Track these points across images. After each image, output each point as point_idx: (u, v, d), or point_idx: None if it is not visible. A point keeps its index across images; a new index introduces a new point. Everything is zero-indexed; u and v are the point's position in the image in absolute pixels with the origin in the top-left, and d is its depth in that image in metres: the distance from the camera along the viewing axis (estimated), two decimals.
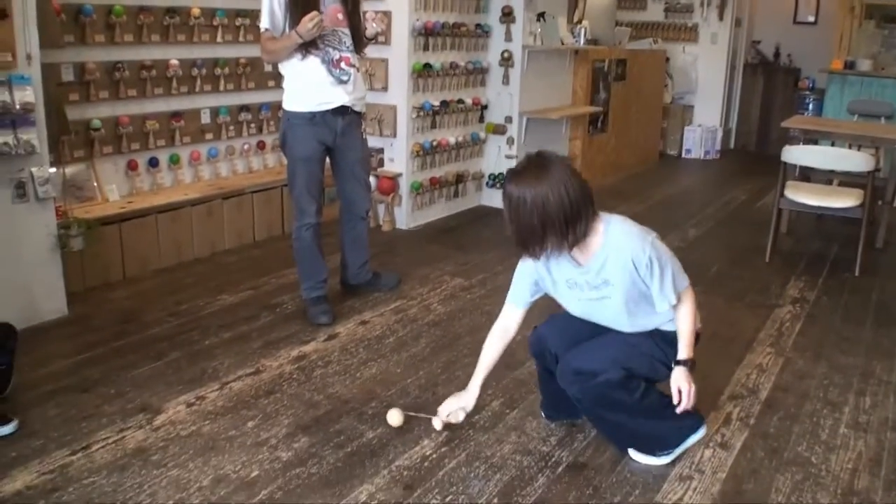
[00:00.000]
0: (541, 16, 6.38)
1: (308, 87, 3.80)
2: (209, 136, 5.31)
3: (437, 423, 2.91)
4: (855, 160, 5.09)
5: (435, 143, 5.86)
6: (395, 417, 2.94)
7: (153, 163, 4.98)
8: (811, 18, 10.52)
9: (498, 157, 6.46)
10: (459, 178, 6.23)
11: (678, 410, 2.66)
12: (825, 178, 5.90)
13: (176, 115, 5.05)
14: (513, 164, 6.31)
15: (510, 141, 6.39)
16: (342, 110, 3.87)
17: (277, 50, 3.76)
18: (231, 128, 5.44)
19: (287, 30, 3.70)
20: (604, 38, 7.58)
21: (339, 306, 4.16)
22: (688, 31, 9.81)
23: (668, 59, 9.47)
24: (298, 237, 3.97)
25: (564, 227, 2.43)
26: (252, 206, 5.25)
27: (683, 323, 2.66)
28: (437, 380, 3.40)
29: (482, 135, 6.40)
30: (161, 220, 4.70)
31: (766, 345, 3.91)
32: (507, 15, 6.18)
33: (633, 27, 9.47)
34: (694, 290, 2.69)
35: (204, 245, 4.97)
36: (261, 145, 5.69)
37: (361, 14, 3.95)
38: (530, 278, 2.76)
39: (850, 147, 5.89)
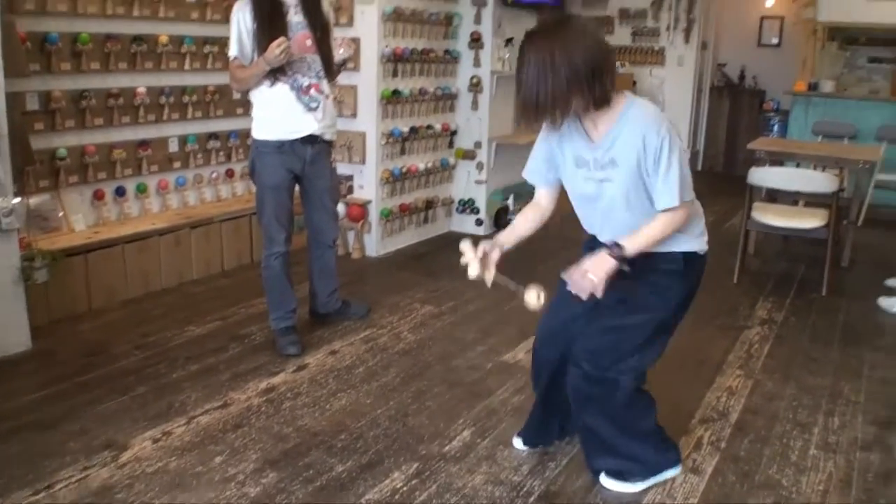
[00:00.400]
0: (509, 41, 6.42)
1: (277, 115, 3.79)
2: (177, 164, 5.28)
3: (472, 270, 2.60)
4: (819, 181, 5.16)
5: (404, 170, 5.86)
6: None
7: (120, 192, 4.94)
8: (775, 41, 10.69)
9: (468, 182, 6.47)
10: (429, 204, 6.23)
11: (569, 287, 2.55)
12: (791, 199, 5.97)
13: (143, 143, 5.02)
14: (482, 189, 6.35)
15: (480, 166, 6.41)
16: (311, 139, 3.86)
17: (246, 78, 3.75)
18: (199, 156, 5.41)
19: (255, 58, 3.69)
20: None
21: (309, 336, 4.14)
22: (655, 55, 9.93)
23: (635, 83, 9.57)
24: (267, 266, 3.94)
25: (591, 79, 2.30)
26: (220, 234, 5.21)
27: (653, 226, 2.46)
28: (407, 410, 3.37)
29: (452, 160, 6.41)
30: (128, 250, 4.65)
31: (736, 367, 3.93)
32: (476, 41, 6.22)
33: None
34: (687, 213, 2.50)
35: (172, 275, 4.92)
36: (229, 173, 5.66)
37: (331, 40, 3.94)
38: (544, 153, 2.66)
39: (814, 168, 5.97)
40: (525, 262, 3.23)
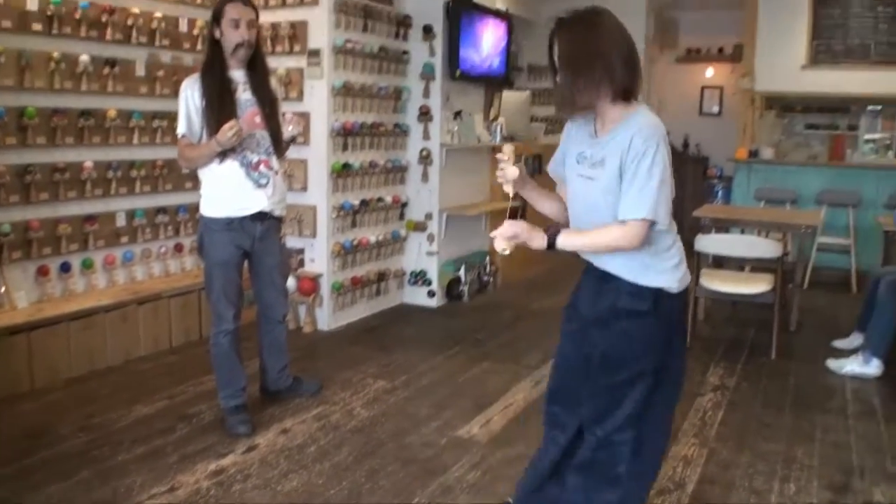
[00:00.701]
0: (458, 114, 6.52)
1: (227, 192, 3.76)
2: (124, 239, 5.20)
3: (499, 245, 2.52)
4: (764, 247, 5.27)
5: (356, 242, 5.85)
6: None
7: (65, 268, 4.83)
8: (716, 110, 11.04)
9: (419, 254, 6.48)
10: (381, 277, 6.21)
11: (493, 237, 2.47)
12: (738, 264, 6.07)
13: (90, 218, 4.94)
14: (434, 260, 6.36)
15: (431, 238, 6.43)
16: (261, 216, 3.83)
17: (195, 157, 3.74)
18: (147, 230, 5.34)
19: (204, 135, 3.68)
20: (520, 134, 7.75)
21: (260, 414, 4.05)
22: None
23: None
24: (216, 343, 3.87)
25: (623, 68, 2.29)
26: (169, 310, 5.13)
27: (602, 231, 2.36)
28: (360, 489, 3.30)
29: (403, 232, 6.42)
30: (73, 327, 4.54)
31: (691, 435, 3.93)
32: (425, 114, 6.30)
33: (547, 122, 9.75)
34: (644, 237, 2.33)
35: (118, 353, 4.81)
36: (178, 248, 5.59)
37: (280, 116, 3.94)
38: (562, 150, 2.61)
39: (759, 233, 6.10)
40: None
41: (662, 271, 2.41)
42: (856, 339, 5.34)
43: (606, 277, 2.47)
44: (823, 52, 8.52)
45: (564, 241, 2.39)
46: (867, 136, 8.85)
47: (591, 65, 2.29)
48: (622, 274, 2.42)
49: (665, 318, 2.44)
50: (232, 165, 3.72)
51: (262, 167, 3.78)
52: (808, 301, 6.58)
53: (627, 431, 2.44)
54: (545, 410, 2.72)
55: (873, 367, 4.85)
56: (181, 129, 3.73)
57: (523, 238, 2.41)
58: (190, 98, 3.70)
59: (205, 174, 3.79)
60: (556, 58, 2.38)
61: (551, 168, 2.68)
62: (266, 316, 4.13)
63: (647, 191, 2.26)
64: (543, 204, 2.70)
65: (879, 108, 8.77)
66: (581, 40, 2.33)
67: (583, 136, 2.48)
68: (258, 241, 3.87)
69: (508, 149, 2.53)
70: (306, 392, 4.32)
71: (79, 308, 4.62)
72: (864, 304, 5.32)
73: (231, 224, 3.77)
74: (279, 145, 3.88)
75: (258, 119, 3.71)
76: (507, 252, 2.49)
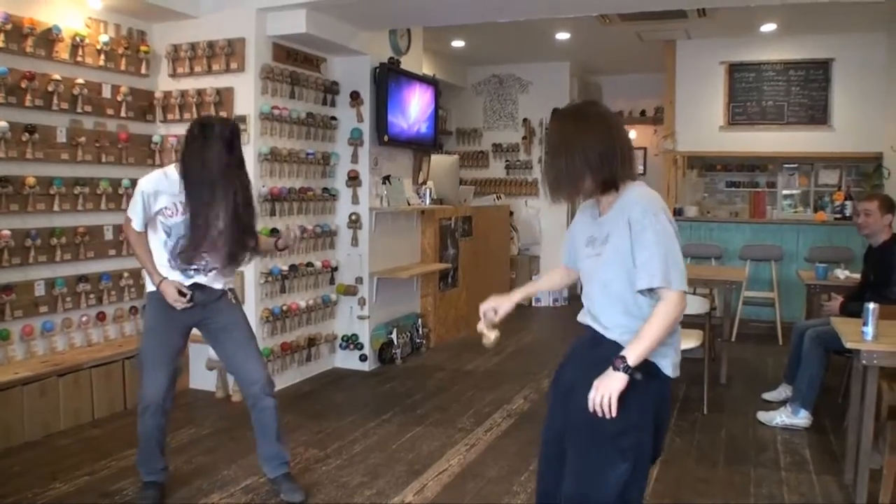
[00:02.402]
0: (386, 179, 6.54)
1: (161, 263, 3.65)
2: (44, 308, 5.02)
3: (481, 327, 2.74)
4: (692, 304, 5.32)
5: (285, 308, 5.76)
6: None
7: None
8: (640, 170, 11.28)
9: (350, 317, 6.41)
10: (312, 342, 6.11)
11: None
12: None
13: (6, 288, 4.76)
14: (365, 324, 6.30)
15: (362, 301, 6.38)
16: (199, 287, 3.67)
17: (137, 253, 3.68)
18: (68, 299, 5.17)
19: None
20: (449, 197, 7.82)
21: (187, 487, 3.89)
22: (528, 186, 10.28)
23: (511, 213, 9.86)
24: (140, 418, 3.68)
25: (601, 164, 2.39)
26: (91, 381, 4.94)
27: (650, 322, 2.33)
28: None
29: (333, 297, 6.36)
30: None
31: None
32: (353, 179, 6.30)
33: (476, 185, 9.87)
34: (683, 303, 2.36)
35: (36, 427, 4.60)
36: (101, 316, 5.42)
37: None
38: (570, 238, 2.73)
39: (694, 291, 6.19)
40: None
41: (662, 346, 2.39)
42: (784, 391, 5.44)
43: (600, 343, 2.47)
44: (740, 113, 8.84)
45: (634, 357, 2.32)
46: (785, 192, 9.18)
47: (571, 156, 2.40)
48: (621, 339, 2.41)
49: (650, 396, 2.42)
50: (167, 262, 3.64)
51: (191, 271, 3.67)
52: (737, 354, 6.68)
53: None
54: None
55: (802, 418, 4.92)
56: (132, 214, 3.60)
57: (614, 395, 2.31)
58: (148, 199, 3.58)
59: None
60: (547, 152, 2.54)
61: (565, 261, 2.81)
62: (247, 392, 3.81)
63: (658, 258, 2.32)
64: (542, 289, 3.00)
65: (796, 165, 9.11)
66: (566, 132, 2.45)
67: (588, 221, 2.59)
68: (205, 309, 3.70)
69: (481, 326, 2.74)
70: (285, 497, 3.81)
71: None
72: (790, 357, 5.42)
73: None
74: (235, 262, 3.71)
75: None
76: (492, 342, 2.69)
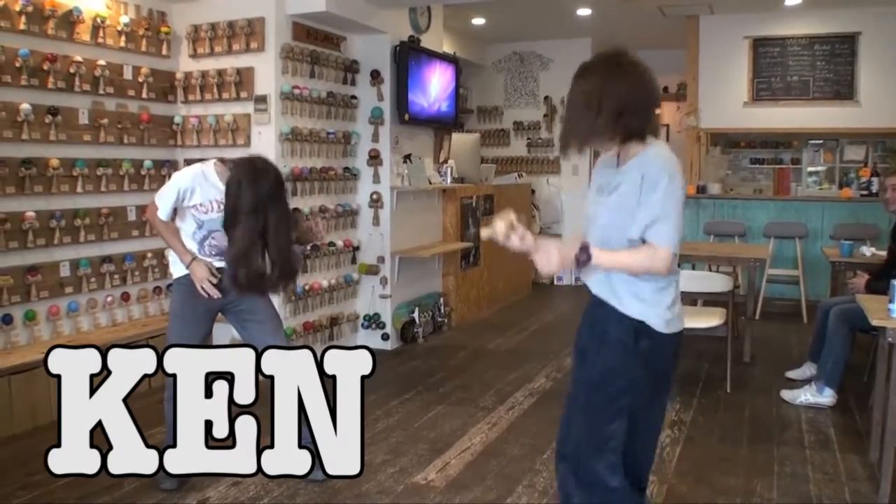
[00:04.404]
0: (407, 157, 6.53)
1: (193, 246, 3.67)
2: (69, 289, 5.07)
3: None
4: (714, 281, 5.31)
5: (307, 287, 5.78)
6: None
7: (7, 320, 4.69)
8: None
9: (372, 297, 6.43)
10: (334, 321, 6.13)
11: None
12: (690, 299, 6.11)
13: (32, 269, 4.82)
14: (387, 303, 6.31)
15: (384, 280, 6.39)
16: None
17: (164, 237, 3.67)
18: (93, 280, 5.22)
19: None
20: (470, 176, 7.80)
21: None
22: (550, 164, 10.23)
23: (533, 192, 9.82)
24: (167, 403, 3.71)
25: (620, 116, 2.34)
26: None
27: (633, 253, 2.38)
28: None
29: (355, 276, 6.37)
30: (15, 381, 4.39)
31: (650, 472, 3.89)
32: (375, 158, 6.29)
33: (498, 163, 9.82)
34: (667, 265, 2.36)
35: None
36: (125, 297, 5.47)
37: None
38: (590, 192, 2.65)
39: (709, 268, 6.15)
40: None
41: (651, 305, 2.42)
42: (808, 369, 5.39)
43: (599, 303, 2.50)
44: (764, 89, 8.72)
45: (598, 255, 2.38)
46: (810, 169, 9.07)
47: (593, 118, 2.35)
48: (610, 299, 2.45)
49: (644, 356, 2.43)
50: (197, 249, 3.66)
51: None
52: (761, 332, 6.64)
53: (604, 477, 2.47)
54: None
55: (827, 397, 4.89)
56: (161, 202, 3.59)
57: (555, 265, 2.41)
58: (185, 193, 3.57)
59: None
60: (569, 101, 2.48)
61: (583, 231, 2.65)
62: None
63: (667, 221, 2.33)
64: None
65: (821, 141, 9.00)
66: (597, 80, 2.37)
67: (603, 171, 2.56)
68: (230, 293, 3.66)
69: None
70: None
71: (21, 361, 4.47)
72: (814, 335, 5.38)
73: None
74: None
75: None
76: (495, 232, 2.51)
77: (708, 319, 5.25)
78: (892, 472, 3.56)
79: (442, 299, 7.11)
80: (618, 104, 2.33)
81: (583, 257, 2.36)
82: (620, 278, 2.42)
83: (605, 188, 2.49)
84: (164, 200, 3.58)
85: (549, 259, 2.39)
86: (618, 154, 2.49)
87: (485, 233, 2.54)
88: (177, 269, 3.73)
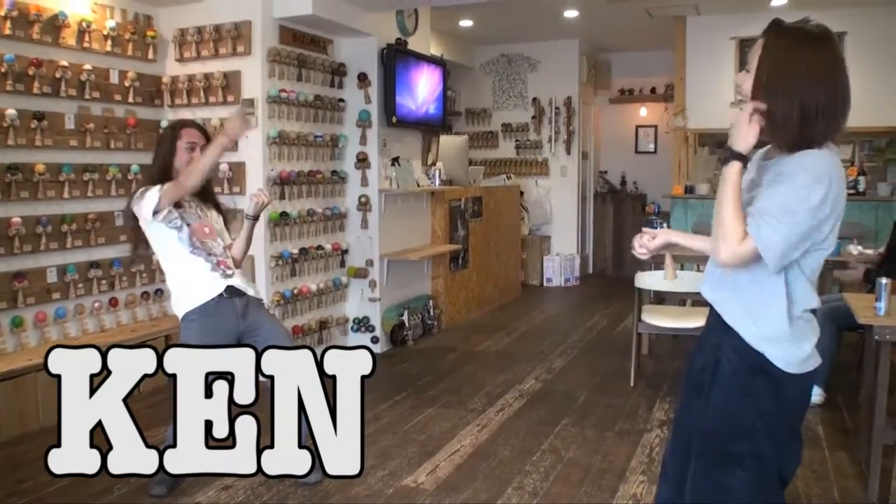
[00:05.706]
0: (395, 160, 6.52)
1: (195, 280, 3.63)
2: (56, 295, 5.04)
3: None
4: (698, 280, 5.30)
5: (296, 291, 5.77)
6: None
7: None
8: (651, 147, 11.25)
9: (361, 300, 6.42)
10: (323, 325, 6.12)
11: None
12: (679, 299, 6.13)
13: (19, 275, 4.79)
14: (377, 307, 6.31)
15: (373, 284, 6.38)
16: (234, 292, 3.66)
17: (203, 166, 3.54)
18: (80, 286, 5.19)
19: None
20: (458, 178, 7.80)
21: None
22: (539, 166, 10.25)
23: (522, 193, 9.83)
24: None
25: (813, 118, 1.98)
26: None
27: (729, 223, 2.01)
28: None
29: (344, 279, 6.36)
30: (2, 388, 4.37)
31: (639, 473, 3.91)
32: (362, 161, 6.29)
33: (486, 165, 9.84)
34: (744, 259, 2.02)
35: (51, 414, 4.61)
36: (113, 302, 5.44)
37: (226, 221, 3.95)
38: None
39: (697, 268, 6.16)
40: None
41: (785, 340, 2.06)
42: None
43: (727, 329, 2.15)
44: None
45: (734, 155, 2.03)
46: None
47: (786, 100, 2.00)
48: (728, 313, 2.13)
49: (764, 397, 2.07)
50: (197, 260, 3.63)
51: (222, 267, 3.68)
52: None
53: None
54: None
55: (815, 395, 4.90)
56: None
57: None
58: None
59: (171, 271, 3.70)
60: (749, 69, 2.11)
61: None
62: None
63: (769, 209, 1.96)
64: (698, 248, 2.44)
65: None
66: (789, 67, 2.02)
67: (753, 165, 2.20)
68: (243, 319, 3.66)
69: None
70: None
71: (8, 368, 4.45)
72: None
73: (207, 309, 3.60)
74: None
75: (207, 230, 3.73)
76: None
77: (696, 320, 5.25)
78: (881, 469, 3.58)
79: (431, 302, 7.10)
80: (814, 101, 2.00)
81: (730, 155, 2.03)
82: (734, 287, 2.15)
83: (748, 182, 2.16)
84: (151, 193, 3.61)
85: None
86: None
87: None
88: (180, 305, 3.67)
